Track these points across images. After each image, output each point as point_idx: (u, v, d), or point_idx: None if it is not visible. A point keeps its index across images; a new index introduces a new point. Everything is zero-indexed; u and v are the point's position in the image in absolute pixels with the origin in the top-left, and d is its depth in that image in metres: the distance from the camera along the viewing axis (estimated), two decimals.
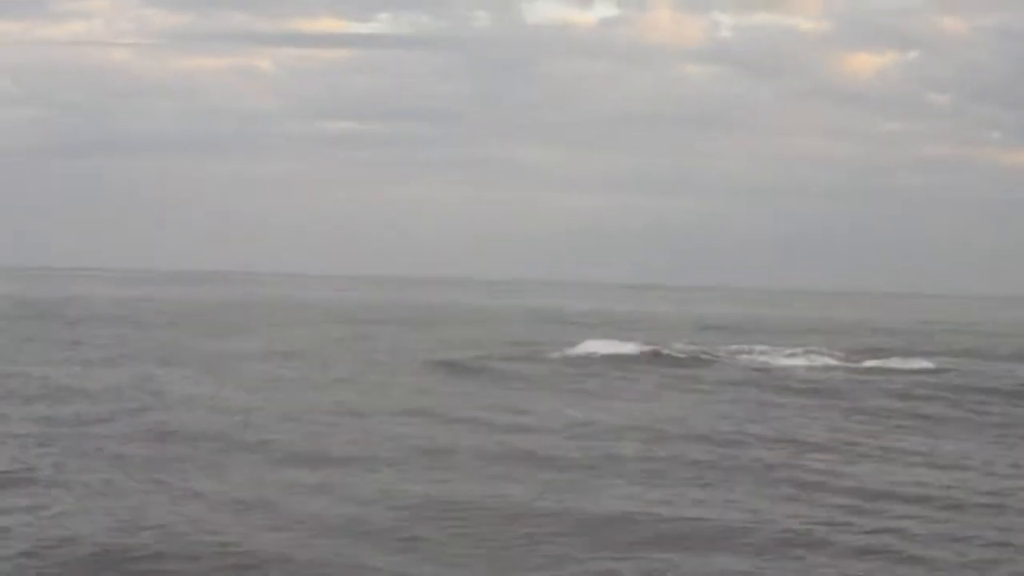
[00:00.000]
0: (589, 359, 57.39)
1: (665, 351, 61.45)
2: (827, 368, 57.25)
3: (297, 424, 33.09)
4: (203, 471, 25.68)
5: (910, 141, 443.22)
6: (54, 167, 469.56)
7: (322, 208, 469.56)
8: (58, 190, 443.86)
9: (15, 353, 52.81)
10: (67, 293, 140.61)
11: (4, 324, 73.90)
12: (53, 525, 20.50)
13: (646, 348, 62.25)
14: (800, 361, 60.24)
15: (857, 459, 29.66)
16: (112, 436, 30.09)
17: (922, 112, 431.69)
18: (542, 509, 22.55)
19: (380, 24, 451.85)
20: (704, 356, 60.49)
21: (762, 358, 61.08)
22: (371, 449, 29.11)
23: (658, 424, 34.81)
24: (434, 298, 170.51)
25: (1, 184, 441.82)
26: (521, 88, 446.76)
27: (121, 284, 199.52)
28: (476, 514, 22.01)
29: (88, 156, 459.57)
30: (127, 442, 29.23)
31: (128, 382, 42.02)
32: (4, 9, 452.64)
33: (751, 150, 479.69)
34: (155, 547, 19.26)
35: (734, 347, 65.86)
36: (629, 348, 62.06)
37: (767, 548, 20.21)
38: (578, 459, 28.32)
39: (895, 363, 59.55)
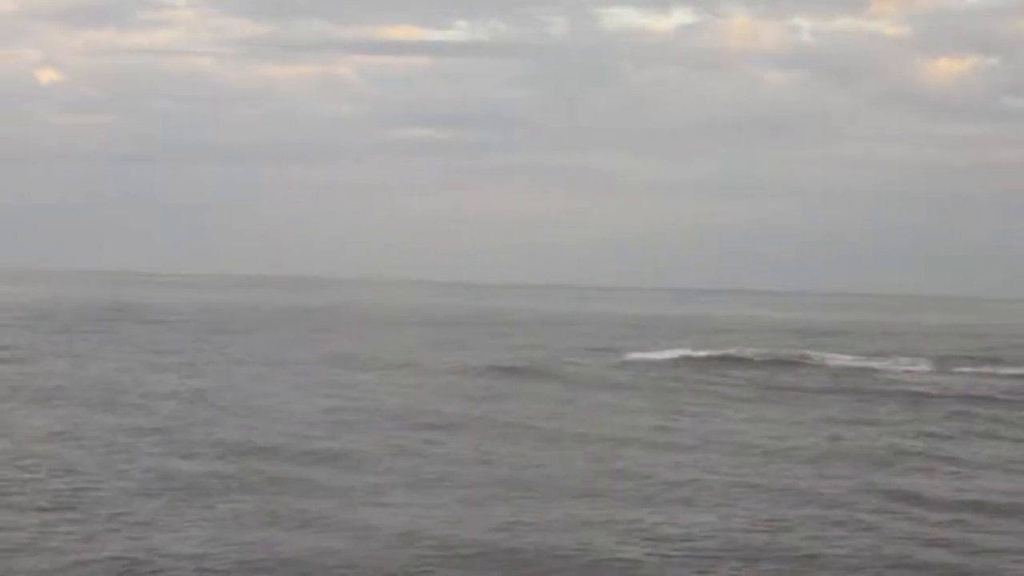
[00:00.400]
0: (668, 363, 56.91)
1: (750, 356, 60.80)
2: (920, 374, 56.23)
3: (378, 435, 32.72)
4: (290, 488, 25.00)
5: (989, 146, 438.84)
6: (135, 173, 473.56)
7: (399, 214, 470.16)
8: (139, 196, 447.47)
9: (109, 358, 52.78)
10: (151, 298, 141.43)
11: (96, 328, 74.25)
12: (140, 537, 20.30)
13: (728, 353, 61.64)
14: (889, 366, 59.31)
15: (958, 470, 28.94)
16: (198, 441, 29.93)
17: (1001, 117, 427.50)
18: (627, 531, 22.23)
19: (458, 32, 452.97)
20: (787, 361, 59.79)
21: (843, 363, 60.20)
22: (462, 467, 27.89)
23: (750, 438, 34.15)
24: (510, 303, 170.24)
25: (83, 189, 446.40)
26: (599, 95, 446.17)
27: (203, 289, 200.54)
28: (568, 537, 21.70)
29: (169, 162, 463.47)
30: (214, 448, 28.95)
31: (212, 388, 41.84)
32: (89, 18, 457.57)
33: (830, 155, 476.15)
34: (252, 563, 19.13)
35: (812, 352, 65.06)
36: (703, 352, 61.54)
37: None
38: (668, 476, 27.79)
39: (987, 369, 58.58)
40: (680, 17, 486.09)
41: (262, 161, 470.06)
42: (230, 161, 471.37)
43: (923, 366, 59.92)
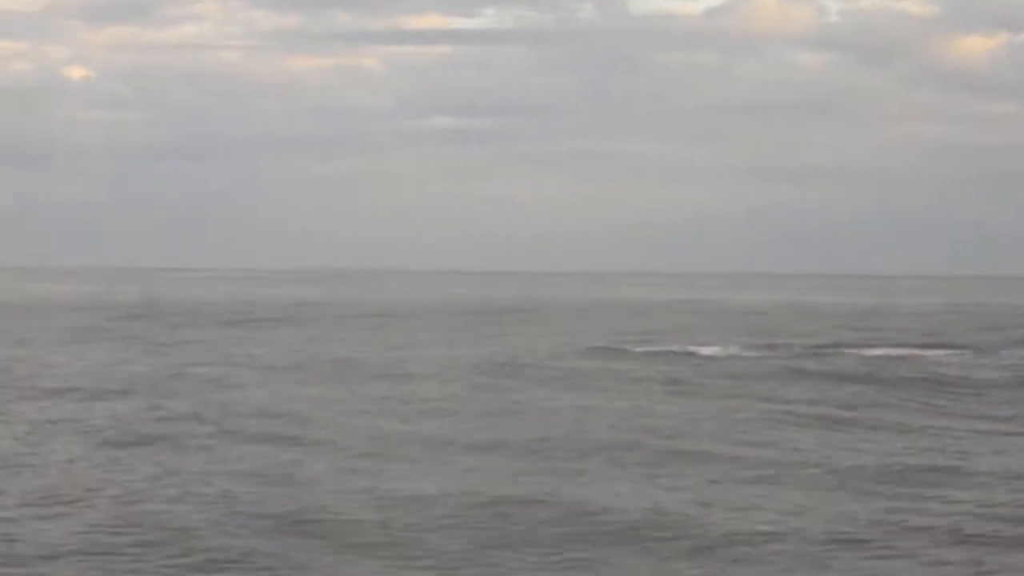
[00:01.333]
0: (720, 359, 54.78)
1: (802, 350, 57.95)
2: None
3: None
4: None
5: (1021, 123, 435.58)
6: (164, 168, 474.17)
7: (429, 204, 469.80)
8: (167, 191, 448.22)
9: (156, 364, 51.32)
10: (188, 295, 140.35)
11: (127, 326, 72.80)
12: None
13: (775, 352, 58.86)
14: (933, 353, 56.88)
15: None
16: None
17: None
18: None
19: (485, 19, 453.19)
20: (829, 353, 57.24)
21: (890, 352, 57.54)
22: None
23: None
24: (540, 292, 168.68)
25: (111, 185, 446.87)
26: (627, 80, 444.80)
27: (236, 283, 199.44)
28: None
29: (198, 157, 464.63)
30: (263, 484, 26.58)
31: (263, 404, 39.44)
32: (117, 15, 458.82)
33: (863, 137, 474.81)
34: None
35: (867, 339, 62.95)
36: (749, 352, 59.35)
37: None
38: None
39: None
40: (707, 0, 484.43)
41: (290, 154, 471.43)
42: (258, 155, 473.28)
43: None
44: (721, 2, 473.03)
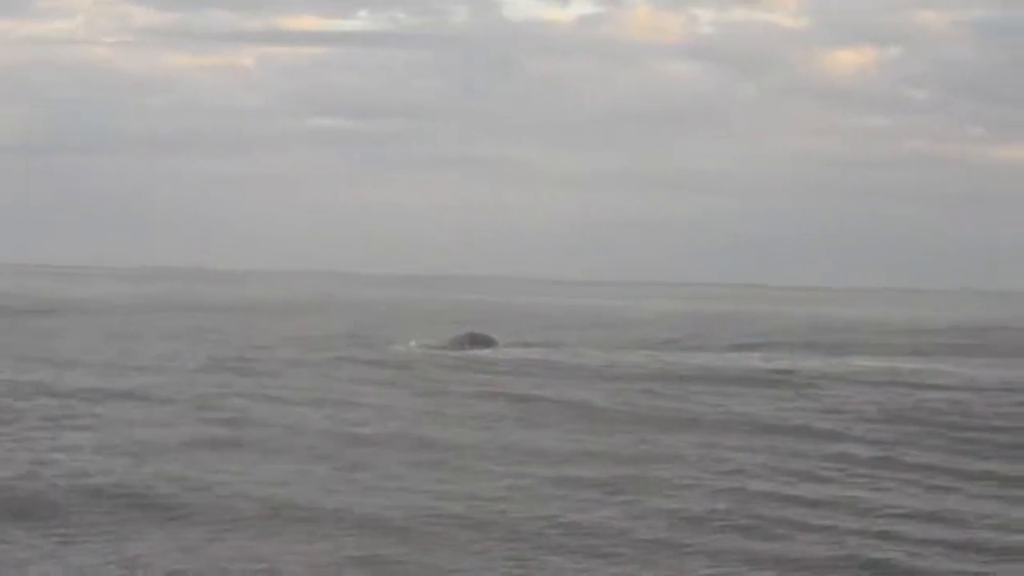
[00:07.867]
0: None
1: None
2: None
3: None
4: None
5: (892, 137, 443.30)
6: (37, 164, 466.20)
7: (306, 206, 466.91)
8: (41, 187, 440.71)
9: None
10: (73, 292, 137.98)
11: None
12: None
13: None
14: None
15: None
16: None
17: (903, 108, 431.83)
18: None
19: (360, 21, 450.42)
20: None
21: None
22: None
23: None
24: (416, 293, 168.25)
25: None
26: (504, 85, 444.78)
27: (127, 281, 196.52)
28: None
29: (72, 153, 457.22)
30: None
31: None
32: None
33: (735, 148, 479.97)
34: None
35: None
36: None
37: None
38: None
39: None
40: (580, 8, 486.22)
41: (165, 151, 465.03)
42: (132, 151, 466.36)
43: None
44: (594, 10, 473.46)
